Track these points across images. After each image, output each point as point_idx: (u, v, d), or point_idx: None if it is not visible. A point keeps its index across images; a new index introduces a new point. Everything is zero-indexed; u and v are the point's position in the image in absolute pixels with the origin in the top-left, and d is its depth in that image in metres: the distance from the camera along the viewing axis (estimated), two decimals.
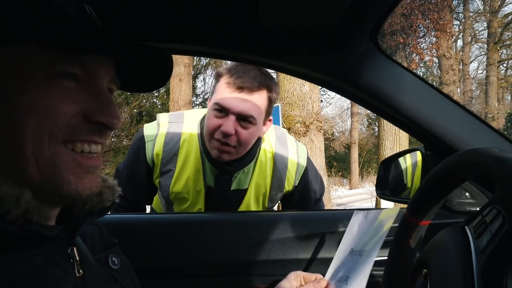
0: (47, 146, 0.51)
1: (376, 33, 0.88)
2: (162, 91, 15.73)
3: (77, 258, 0.59)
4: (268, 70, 1.25)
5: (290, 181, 1.44)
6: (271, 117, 1.33)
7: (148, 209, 1.65)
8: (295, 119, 6.08)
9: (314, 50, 0.88)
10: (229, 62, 1.27)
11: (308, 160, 1.49)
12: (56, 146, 0.52)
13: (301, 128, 6.08)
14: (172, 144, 1.34)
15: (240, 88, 1.18)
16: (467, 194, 1.07)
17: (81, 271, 0.58)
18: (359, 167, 20.64)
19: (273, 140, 1.44)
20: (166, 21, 0.80)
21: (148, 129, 1.38)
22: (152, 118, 15.65)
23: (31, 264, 0.50)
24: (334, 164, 20.32)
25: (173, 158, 1.34)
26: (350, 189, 19.00)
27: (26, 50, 0.51)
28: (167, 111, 13.11)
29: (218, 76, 1.25)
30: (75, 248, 0.59)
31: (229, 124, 1.18)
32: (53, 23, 0.51)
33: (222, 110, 1.20)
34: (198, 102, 20.52)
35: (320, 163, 5.91)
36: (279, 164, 1.41)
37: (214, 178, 1.35)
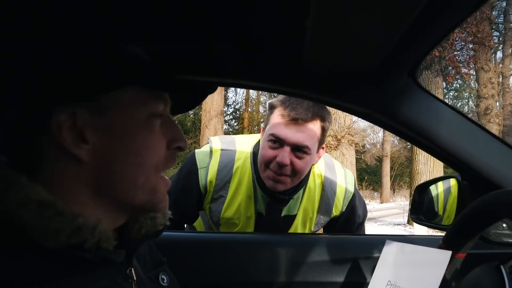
0: (153, 177, 0.62)
1: (415, 70, 0.92)
2: None
3: (135, 278, 0.65)
4: None
5: (338, 207, 1.47)
6: (323, 145, 1.36)
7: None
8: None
9: (354, 86, 0.92)
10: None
11: (355, 187, 1.51)
12: (157, 176, 0.63)
13: (332, 141, 6.06)
14: (226, 172, 1.38)
15: (295, 120, 1.21)
16: (504, 225, 1.07)
17: None
18: (390, 180, 20.17)
19: (322, 166, 1.47)
20: (216, 58, 0.88)
21: (201, 155, 1.41)
22: (183, 127, 15.93)
23: (99, 285, 0.57)
24: (365, 177, 19.96)
25: (226, 185, 1.38)
26: (381, 203, 18.59)
27: (129, 93, 0.60)
28: (199, 121, 13.33)
29: (271, 108, 1.29)
30: (132, 269, 0.65)
31: (285, 155, 1.22)
32: (144, 68, 0.61)
33: (277, 141, 1.24)
34: (229, 112, 20.78)
35: None
36: (328, 190, 1.44)
37: (265, 205, 1.39)
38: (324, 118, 1.27)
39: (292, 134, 1.22)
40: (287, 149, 1.23)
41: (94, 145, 0.58)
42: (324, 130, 1.30)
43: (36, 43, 0.56)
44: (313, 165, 1.38)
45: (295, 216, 1.44)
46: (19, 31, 0.56)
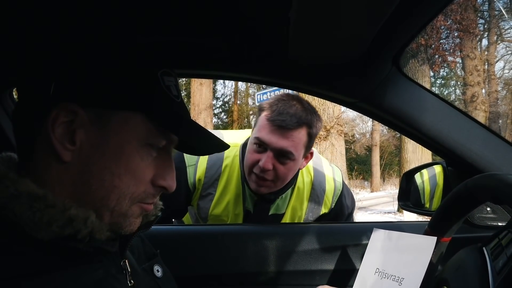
0: (126, 204, 0.60)
1: (399, 58, 0.93)
2: (183, 94, 15.90)
3: (129, 270, 0.66)
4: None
5: (327, 204, 1.48)
6: (312, 150, 1.34)
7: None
8: None
9: (339, 75, 0.93)
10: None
11: (343, 181, 1.52)
12: (132, 205, 0.61)
13: (321, 132, 6.09)
14: (214, 170, 1.37)
15: (280, 126, 1.18)
16: (488, 209, 1.10)
17: (132, 281, 0.65)
18: (380, 169, 20.36)
19: (310, 164, 1.46)
20: (205, 51, 0.88)
21: None
22: None
23: (94, 277, 0.57)
24: (355, 167, 20.13)
25: (214, 183, 1.38)
26: (372, 192, 18.79)
27: (137, 118, 0.58)
28: None
29: (260, 110, 1.26)
30: (126, 260, 0.66)
31: (267, 160, 1.20)
32: (164, 101, 0.60)
33: (261, 145, 1.22)
34: (218, 105, 20.71)
35: (341, 167, 5.90)
36: (317, 189, 1.45)
37: (253, 203, 1.39)
38: (310, 124, 1.23)
39: (275, 140, 1.20)
40: (270, 154, 1.21)
41: (80, 150, 0.57)
42: (311, 136, 1.26)
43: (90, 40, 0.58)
44: (300, 169, 1.37)
45: (283, 214, 1.45)
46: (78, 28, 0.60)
